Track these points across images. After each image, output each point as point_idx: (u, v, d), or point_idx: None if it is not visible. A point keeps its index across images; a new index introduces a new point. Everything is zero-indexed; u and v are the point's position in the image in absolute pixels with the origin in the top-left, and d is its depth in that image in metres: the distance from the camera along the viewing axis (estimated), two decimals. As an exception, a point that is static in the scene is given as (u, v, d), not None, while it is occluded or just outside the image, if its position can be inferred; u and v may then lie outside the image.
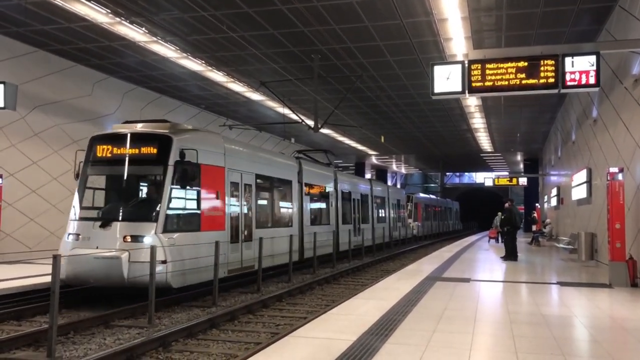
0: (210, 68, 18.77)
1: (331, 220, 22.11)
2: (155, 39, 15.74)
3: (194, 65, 18.37)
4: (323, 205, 21.67)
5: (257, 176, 15.31)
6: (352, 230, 24.05)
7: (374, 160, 47.96)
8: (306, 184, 19.33)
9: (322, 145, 37.33)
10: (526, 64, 10.41)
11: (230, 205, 13.59)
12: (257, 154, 16.18)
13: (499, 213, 17.06)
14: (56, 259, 7.37)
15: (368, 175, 49.11)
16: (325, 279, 15.80)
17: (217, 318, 9.65)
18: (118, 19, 14.28)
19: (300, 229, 18.56)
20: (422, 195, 48.10)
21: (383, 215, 31.44)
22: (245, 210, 14.44)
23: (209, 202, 12.63)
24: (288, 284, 14.84)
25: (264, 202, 16.30)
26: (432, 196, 53.00)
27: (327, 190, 21.84)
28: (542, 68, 10.31)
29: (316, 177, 20.67)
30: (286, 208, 17.95)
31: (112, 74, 19.52)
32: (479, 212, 73.42)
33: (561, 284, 11.62)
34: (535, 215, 36.32)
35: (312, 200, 20.16)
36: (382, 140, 31.94)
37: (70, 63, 17.92)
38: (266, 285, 14.54)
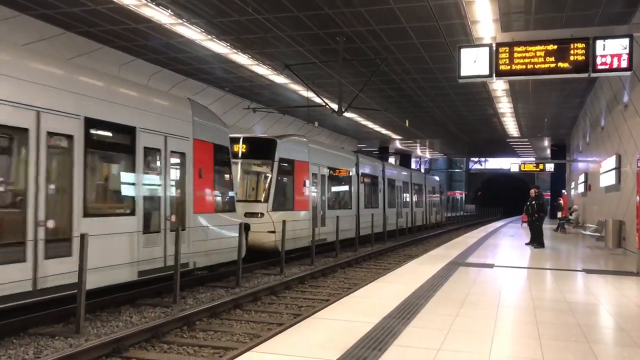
0: (234, 51, 18.76)
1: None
2: (180, 21, 15.78)
3: (218, 47, 18.39)
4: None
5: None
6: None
7: (398, 144, 47.63)
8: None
9: (346, 130, 37.20)
10: (556, 47, 10.19)
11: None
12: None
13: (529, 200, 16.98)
14: (83, 237, 7.48)
15: (391, 160, 48.84)
16: (348, 263, 15.85)
17: (241, 299, 9.77)
18: (144, 1, 14.34)
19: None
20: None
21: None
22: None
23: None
24: (310, 267, 14.93)
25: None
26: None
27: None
28: (572, 51, 10.09)
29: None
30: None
31: (139, 56, 19.65)
32: (504, 199, 72.66)
33: (587, 271, 11.47)
34: (561, 201, 35.79)
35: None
36: (407, 124, 31.67)
37: (97, 45, 18.07)
38: (288, 267, 14.63)
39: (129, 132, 9.49)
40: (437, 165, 71.34)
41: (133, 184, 9.65)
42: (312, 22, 15.77)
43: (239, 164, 16.03)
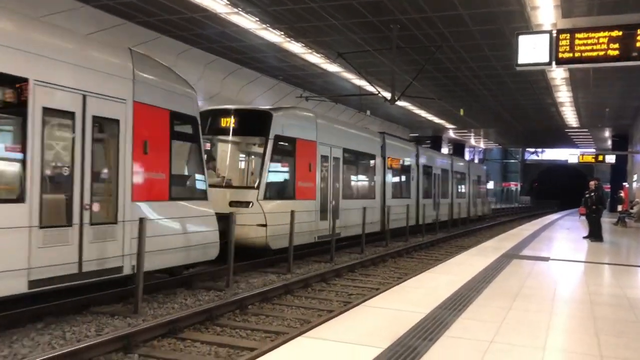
0: (288, 39, 18.86)
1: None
2: (236, 10, 15.97)
3: (272, 36, 18.52)
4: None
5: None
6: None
7: (451, 134, 46.87)
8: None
9: (398, 118, 36.87)
10: (620, 33, 9.75)
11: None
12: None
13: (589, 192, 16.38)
14: (142, 222, 7.75)
15: (445, 150, 48.07)
16: (398, 252, 15.78)
17: (292, 285, 9.91)
18: (200, -9, 14.59)
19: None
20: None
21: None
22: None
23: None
24: (360, 255, 14.95)
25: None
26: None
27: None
28: (638, 38, 9.64)
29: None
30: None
31: (195, 45, 20.03)
32: (561, 190, 70.46)
33: (649, 267, 11.04)
34: (622, 194, 34.44)
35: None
36: (462, 113, 31.08)
37: (154, 34, 18.54)
38: (339, 256, 14.70)
39: (16, 84, 6.83)
40: (492, 156, 69.83)
41: (21, 158, 6.89)
42: (365, 9, 15.66)
43: (223, 141, 13.70)
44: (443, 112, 33.94)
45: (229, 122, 13.18)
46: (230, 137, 13.57)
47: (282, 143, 13.26)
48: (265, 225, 12.15)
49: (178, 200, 9.43)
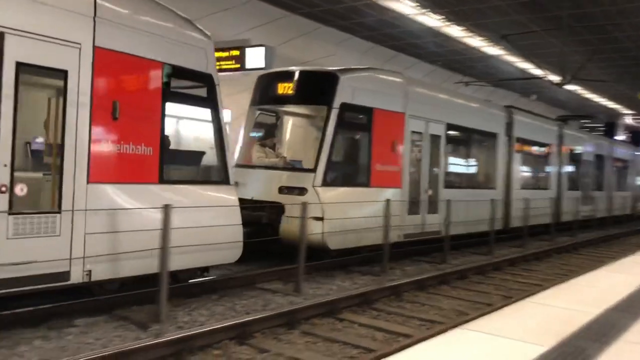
0: (448, 23, 18.40)
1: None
2: (395, -4, 15.96)
3: (431, 21, 18.19)
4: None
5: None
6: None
7: (628, 120, 42.46)
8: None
9: (565, 103, 34.26)
10: None
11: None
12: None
13: None
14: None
15: (620, 137, 43.75)
16: (564, 248, 14.78)
17: (447, 275, 9.77)
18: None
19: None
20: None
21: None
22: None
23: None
24: (520, 249, 14.24)
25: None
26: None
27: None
28: None
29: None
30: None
31: (354, 34, 20.37)
32: None
33: None
34: None
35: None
36: (641, 97, 28.04)
37: (316, 25, 19.16)
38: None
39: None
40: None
41: None
42: (533, -12, 14.74)
43: (272, 111, 11.51)
44: (618, 96, 30.86)
45: (284, 88, 10.63)
46: (282, 107, 11.31)
47: (352, 114, 10.50)
48: (321, 219, 9.43)
49: (176, 183, 7.28)
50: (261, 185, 10.05)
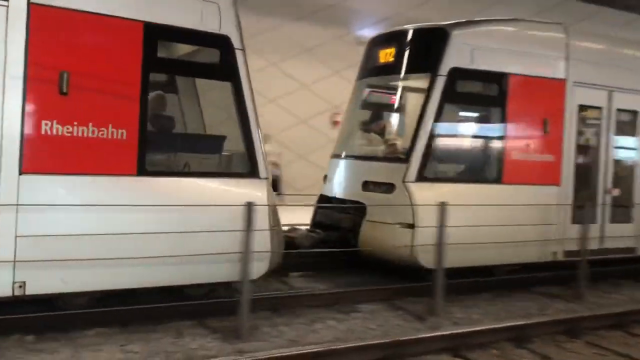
0: None
1: None
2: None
3: None
4: None
5: None
6: None
7: None
8: None
9: None
10: None
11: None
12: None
13: None
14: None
15: None
16: None
17: None
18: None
19: None
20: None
21: None
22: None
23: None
24: None
25: None
26: None
27: None
28: None
29: None
30: None
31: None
32: None
33: None
34: None
35: None
36: None
37: (594, 8, 17.62)
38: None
39: None
40: None
41: None
42: None
43: (375, 85, 8.89)
44: None
45: (386, 55, 8.19)
46: (384, 79, 8.66)
47: (469, 82, 7.80)
48: (412, 227, 7.05)
49: (169, 175, 5.86)
50: (346, 180, 8.21)
